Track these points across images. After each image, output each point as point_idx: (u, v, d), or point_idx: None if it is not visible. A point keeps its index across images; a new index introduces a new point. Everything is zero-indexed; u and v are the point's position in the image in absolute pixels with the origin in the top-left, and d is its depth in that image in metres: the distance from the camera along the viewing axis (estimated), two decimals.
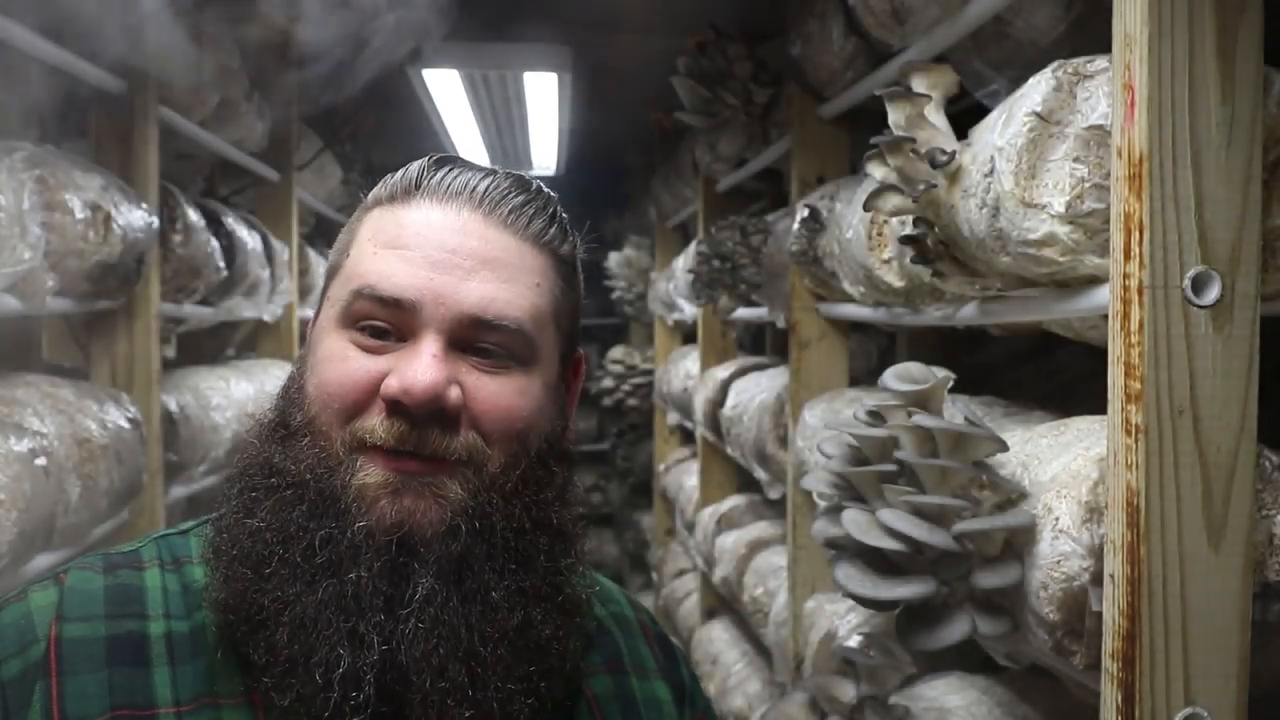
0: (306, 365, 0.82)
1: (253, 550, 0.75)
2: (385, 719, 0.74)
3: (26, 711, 0.72)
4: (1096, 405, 1.00)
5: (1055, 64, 1.04)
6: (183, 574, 0.81)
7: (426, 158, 0.85)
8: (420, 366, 0.75)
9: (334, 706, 0.72)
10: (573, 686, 0.86)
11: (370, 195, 0.86)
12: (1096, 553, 0.95)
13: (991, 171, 1.07)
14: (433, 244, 0.79)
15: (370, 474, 0.75)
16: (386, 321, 0.78)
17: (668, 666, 0.96)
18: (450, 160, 0.85)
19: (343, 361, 0.78)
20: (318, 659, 0.72)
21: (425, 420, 0.75)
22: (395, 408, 0.75)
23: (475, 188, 0.81)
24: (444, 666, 0.74)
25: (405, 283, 0.78)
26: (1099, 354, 0.98)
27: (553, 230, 0.85)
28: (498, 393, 0.79)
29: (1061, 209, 1.00)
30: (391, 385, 0.75)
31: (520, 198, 0.83)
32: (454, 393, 0.76)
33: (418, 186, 0.82)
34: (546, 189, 0.87)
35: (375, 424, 0.76)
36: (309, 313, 3.47)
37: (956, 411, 1.16)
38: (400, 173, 0.84)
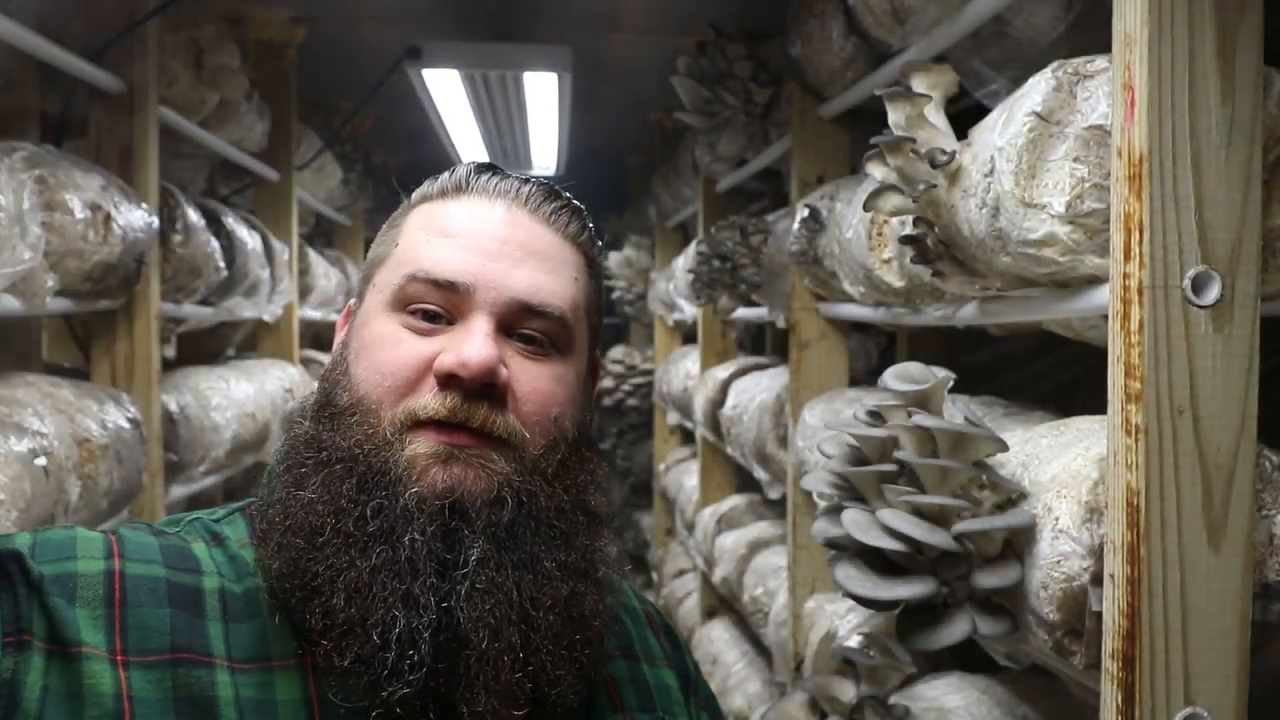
0: (350, 349, 0.86)
1: (305, 521, 0.77)
2: (440, 678, 0.75)
3: (73, 614, 0.72)
4: (1096, 405, 1.00)
5: (1055, 64, 1.04)
6: (225, 548, 0.83)
7: (470, 163, 0.90)
8: (475, 343, 0.79)
9: (391, 666, 0.73)
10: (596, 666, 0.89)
11: (416, 194, 0.91)
12: (1096, 553, 0.95)
13: (991, 171, 1.07)
14: (483, 234, 0.84)
15: (421, 446, 0.78)
16: (438, 305, 0.82)
17: (674, 655, 1.01)
18: (491, 167, 0.90)
19: (395, 344, 0.81)
20: (374, 620, 0.74)
21: (477, 394, 0.79)
22: (449, 382, 0.79)
23: (518, 189, 0.87)
24: (499, 628, 0.76)
25: (459, 267, 0.82)
26: (1099, 354, 0.98)
27: (586, 234, 0.91)
28: (538, 377, 0.83)
29: (1061, 209, 1.00)
30: (447, 360, 0.79)
31: (558, 201, 0.88)
32: (503, 371, 0.81)
33: (465, 186, 0.87)
34: (577, 202, 0.92)
35: (428, 400, 0.79)
36: (309, 313, 3.48)
37: (956, 411, 1.16)
38: (447, 174, 0.89)
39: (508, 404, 0.81)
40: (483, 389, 0.79)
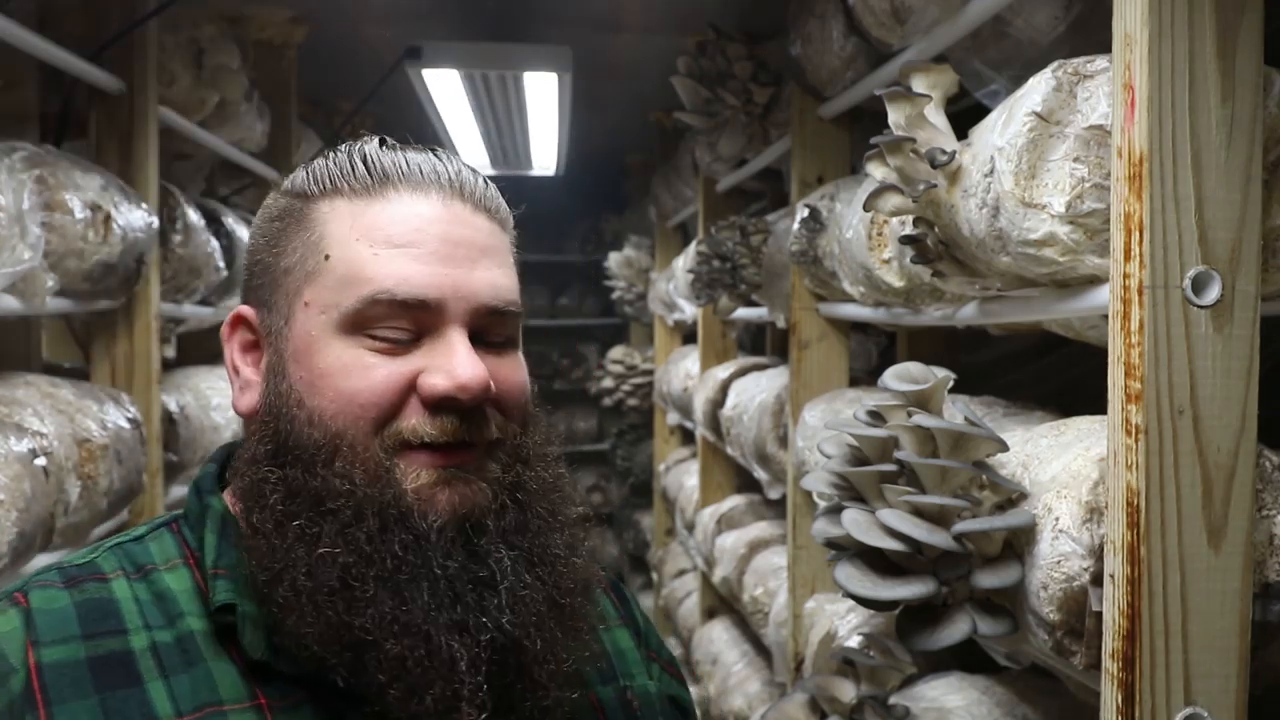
0: (295, 379, 0.78)
1: (336, 578, 0.73)
2: (496, 679, 0.75)
3: None
4: (1096, 405, 1.00)
5: (1055, 64, 1.04)
6: (151, 582, 0.78)
7: (365, 140, 0.82)
8: (463, 362, 0.76)
9: (467, 696, 0.73)
10: None
11: (307, 181, 0.82)
12: (1096, 553, 0.95)
13: (991, 171, 1.07)
14: (435, 237, 0.78)
15: (422, 475, 0.76)
16: (405, 325, 0.77)
17: (625, 613, 1.00)
18: (388, 142, 0.83)
19: (365, 369, 0.76)
20: (442, 656, 0.72)
21: (473, 412, 0.77)
22: (443, 405, 0.76)
23: (445, 173, 0.81)
24: (541, 623, 0.77)
25: (425, 282, 0.77)
26: (1099, 354, 0.97)
27: (504, 206, 0.86)
28: (511, 373, 0.82)
29: (1061, 209, 1.00)
30: (439, 384, 0.76)
31: (479, 176, 0.84)
32: (492, 385, 0.79)
33: (387, 175, 0.80)
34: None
35: (417, 423, 0.76)
36: None
37: (956, 411, 1.16)
38: (351, 158, 0.81)
39: (491, 407, 0.80)
40: (480, 405, 0.77)
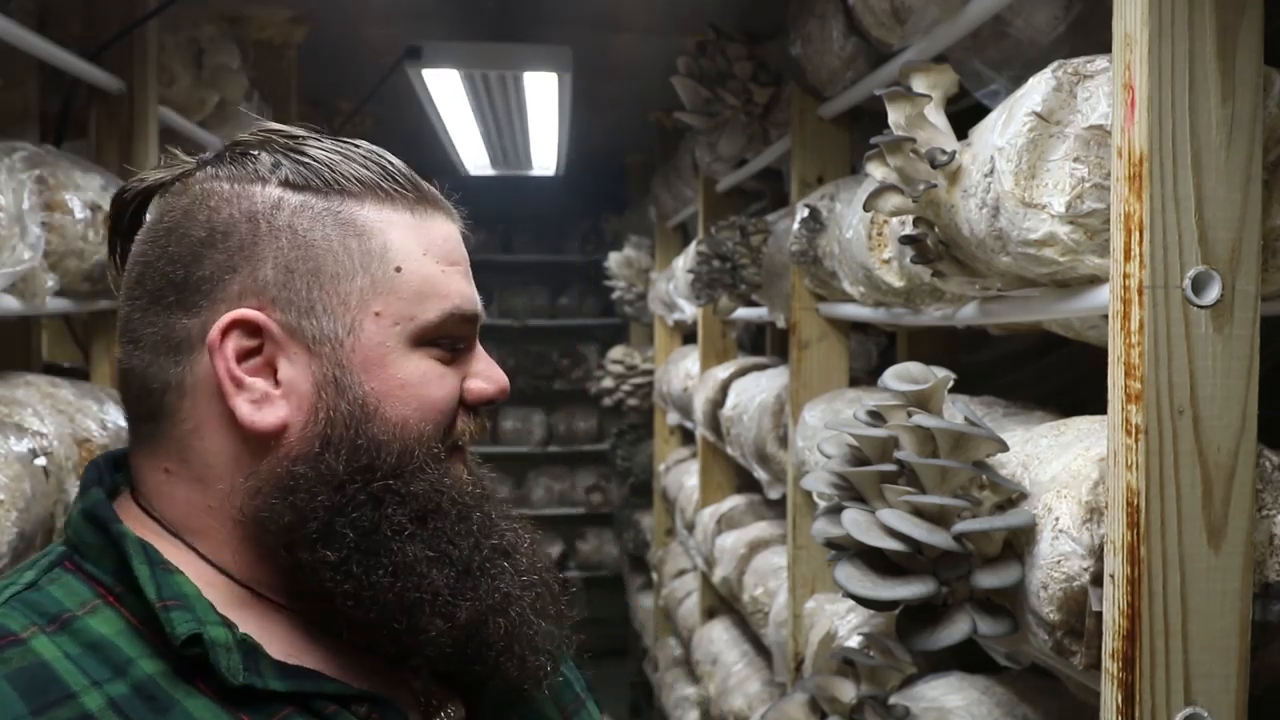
0: (365, 390, 0.76)
1: (455, 573, 0.78)
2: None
3: None
4: (1096, 405, 1.00)
5: (1055, 64, 1.04)
6: (73, 632, 0.70)
7: (380, 152, 0.82)
8: (498, 368, 0.85)
9: (545, 653, 0.81)
10: None
11: (338, 178, 0.78)
12: (1096, 553, 0.95)
13: (991, 171, 1.07)
14: (461, 256, 0.85)
15: (461, 470, 0.83)
16: (464, 337, 0.84)
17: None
18: (385, 154, 0.83)
19: (440, 379, 0.81)
20: (531, 625, 0.80)
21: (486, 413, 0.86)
22: (476, 407, 0.84)
23: (429, 191, 0.84)
24: (546, 579, 0.84)
25: (475, 298, 0.84)
26: (1099, 354, 0.97)
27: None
28: None
29: (1061, 209, 1.00)
30: (488, 389, 0.84)
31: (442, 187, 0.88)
32: None
33: (414, 189, 0.82)
34: None
35: (463, 425, 0.83)
36: None
37: (956, 411, 1.16)
38: (383, 171, 0.80)
39: None
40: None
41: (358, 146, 0.82)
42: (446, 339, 0.81)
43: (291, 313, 0.76)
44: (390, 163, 0.82)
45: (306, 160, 0.79)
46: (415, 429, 0.79)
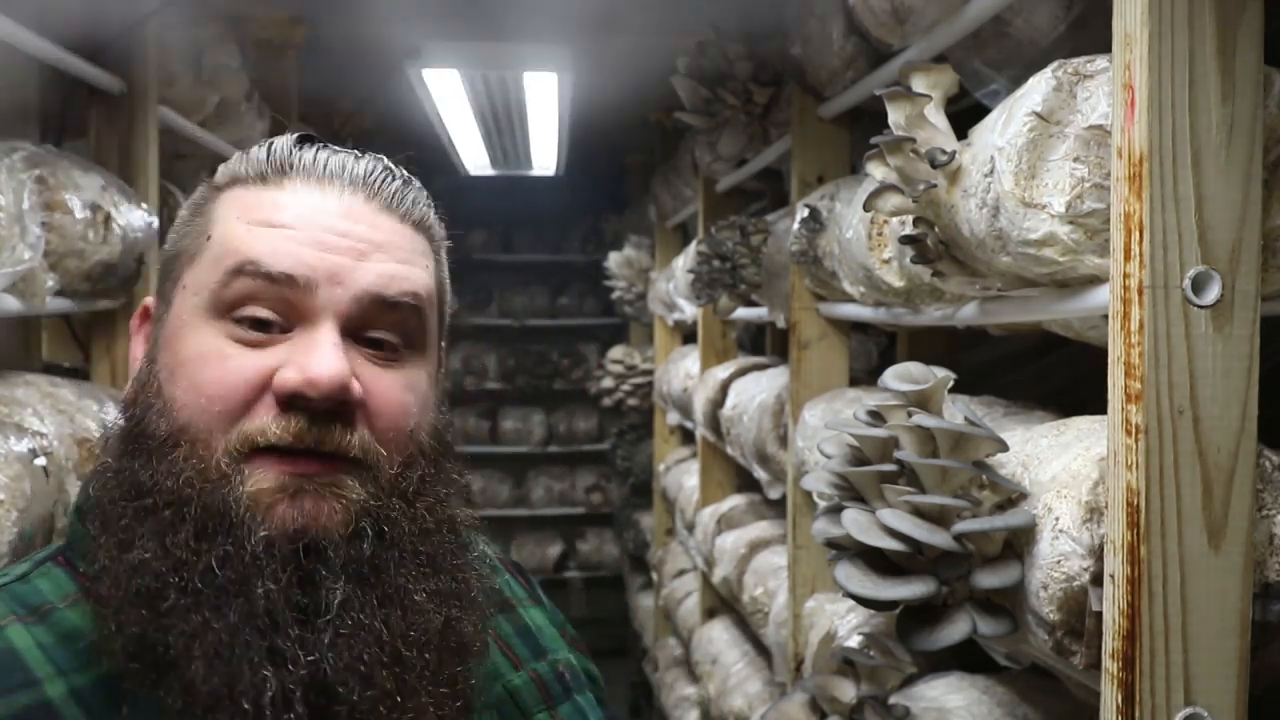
0: (160, 366, 0.73)
1: (143, 587, 0.67)
2: None
3: None
4: (1096, 405, 1.00)
5: (1055, 64, 1.04)
6: (51, 624, 0.70)
7: (288, 135, 0.79)
8: (324, 355, 0.70)
9: None
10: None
11: (221, 172, 0.79)
12: (1096, 553, 0.95)
13: (991, 171, 1.07)
14: (320, 226, 0.74)
15: (263, 479, 0.69)
16: (271, 307, 0.72)
17: (533, 593, 0.98)
18: (311, 139, 0.79)
19: (221, 359, 0.71)
20: (243, 686, 0.65)
21: (325, 415, 0.70)
22: (292, 402, 0.70)
23: (353, 170, 0.77)
24: (370, 674, 0.68)
25: (296, 259, 0.71)
26: (1099, 354, 0.97)
27: (431, 216, 0.82)
28: (390, 388, 0.75)
29: (1061, 209, 1.00)
30: (290, 378, 0.69)
31: (398, 182, 0.79)
32: (356, 385, 0.72)
33: (289, 167, 0.76)
34: (412, 172, 0.83)
35: (267, 423, 0.70)
36: None
37: (956, 411, 1.16)
38: (262, 150, 0.78)
39: (358, 421, 0.72)
40: (334, 408, 0.70)
41: (290, 139, 0.78)
42: (249, 307, 0.71)
43: (157, 297, 0.78)
44: (273, 147, 0.77)
45: (227, 160, 0.79)
46: (189, 413, 0.70)
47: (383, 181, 0.78)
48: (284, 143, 0.78)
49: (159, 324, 0.76)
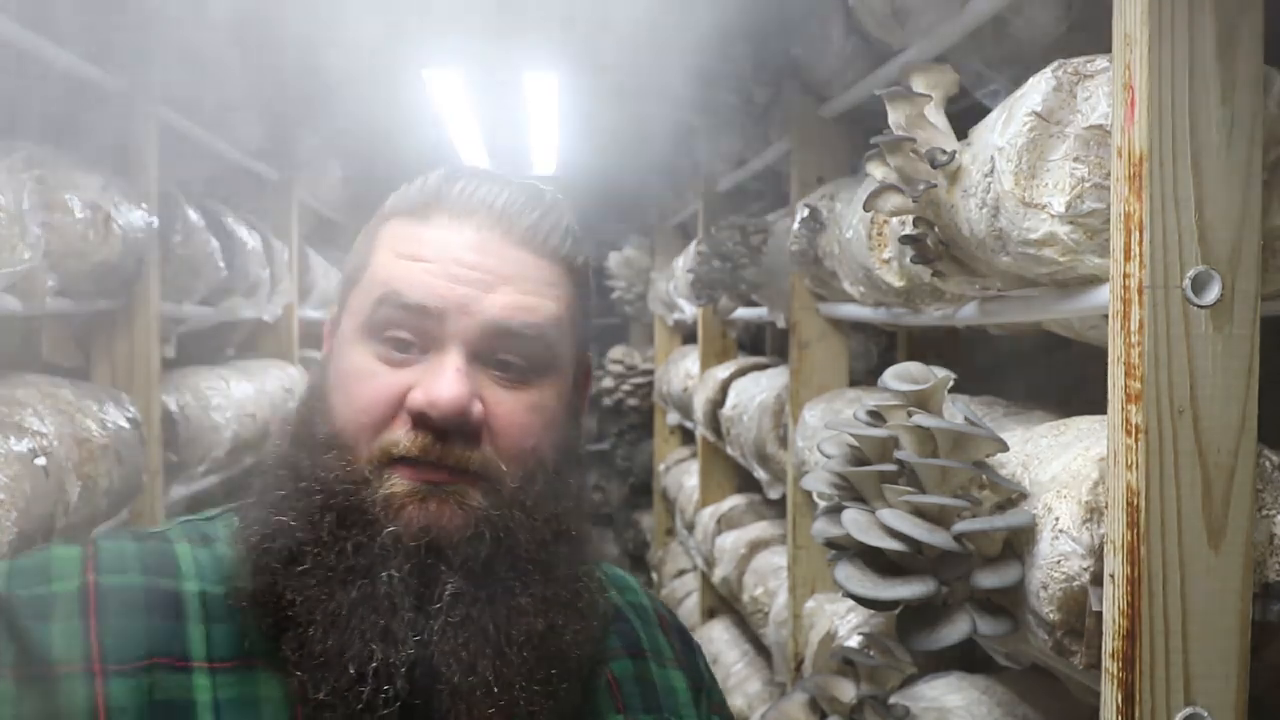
0: (328, 377, 0.84)
1: (284, 547, 0.77)
2: (414, 714, 0.75)
3: (47, 632, 0.72)
4: (1097, 405, 1.00)
5: (1055, 64, 1.04)
6: (213, 549, 0.82)
7: (442, 170, 0.87)
8: (445, 381, 0.78)
9: (367, 700, 0.73)
10: (595, 668, 0.88)
11: (387, 204, 0.88)
12: (1096, 553, 0.95)
13: (991, 171, 1.07)
14: (454, 260, 0.81)
15: (397, 485, 0.78)
16: (410, 331, 0.80)
17: (686, 657, 1.00)
18: (465, 173, 0.87)
19: (370, 378, 0.80)
20: (351, 654, 0.74)
21: (449, 433, 0.78)
22: (420, 420, 0.78)
23: (492, 204, 0.84)
24: (473, 663, 0.76)
25: (429, 291, 0.80)
26: (1099, 354, 0.97)
27: (567, 243, 0.87)
28: (514, 409, 0.81)
29: (1061, 209, 1.00)
30: (417, 399, 0.78)
31: (536, 213, 0.85)
32: (476, 407, 0.79)
33: (436, 202, 0.84)
34: (557, 196, 0.89)
35: (400, 436, 0.78)
36: (310, 313, 3.48)
37: (956, 411, 1.16)
38: (418, 184, 0.87)
39: (482, 438, 0.80)
40: (455, 427, 0.78)
41: (443, 174, 0.87)
42: (391, 330, 0.80)
43: (338, 310, 0.88)
44: (426, 182, 0.86)
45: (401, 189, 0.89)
46: (342, 423, 0.80)
47: (519, 214, 0.84)
48: (437, 177, 0.87)
49: (333, 336, 0.88)
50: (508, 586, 0.79)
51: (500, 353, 0.81)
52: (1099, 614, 0.93)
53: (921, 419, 1.09)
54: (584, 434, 0.95)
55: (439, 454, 0.78)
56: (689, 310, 3.64)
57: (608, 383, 5.08)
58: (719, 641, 3.08)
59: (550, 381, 0.84)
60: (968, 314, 1.37)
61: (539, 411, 0.83)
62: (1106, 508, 0.93)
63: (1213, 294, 0.87)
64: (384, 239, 0.85)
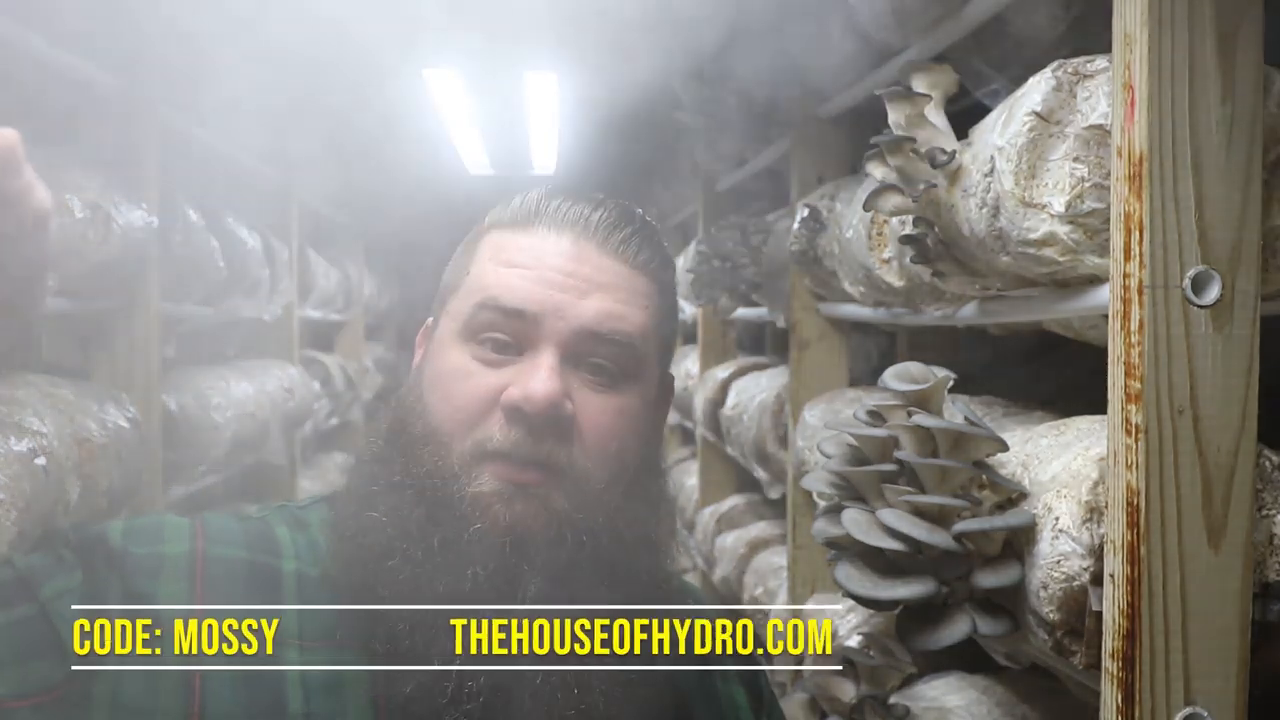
0: (425, 375, 0.88)
1: (375, 541, 0.81)
2: (495, 711, 0.78)
3: (155, 591, 0.77)
4: (1097, 405, 1.00)
5: (1055, 64, 1.04)
6: (308, 533, 0.88)
7: (543, 189, 0.92)
8: (540, 378, 0.82)
9: (451, 695, 0.77)
10: (667, 676, 0.89)
11: (487, 219, 0.93)
12: (1096, 553, 0.95)
13: (991, 171, 1.07)
14: (550, 267, 0.86)
15: (487, 484, 0.81)
16: (507, 334, 0.84)
17: (749, 674, 1.01)
18: (563, 190, 0.91)
19: (467, 377, 0.84)
20: (436, 649, 0.77)
21: (541, 429, 0.82)
22: (514, 416, 0.82)
23: (589, 218, 0.88)
24: (554, 661, 0.79)
25: (526, 295, 0.84)
26: (1099, 354, 0.97)
27: (657, 258, 0.91)
28: (602, 410, 0.85)
29: (1061, 209, 1.00)
30: (513, 394, 0.82)
31: (629, 228, 0.89)
32: (567, 405, 0.83)
33: (536, 215, 0.89)
34: (648, 217, 0.93)
35: (494, 431, 0.82)
36: (310, 313, 3.48)
37: (956, 411, 1.16)
38: (517, 200, 0.91)
39: (573, 437, 0.83)
40: (547, 422, 0.81)
41: (543, 191, 0.91)
42: (489, 333, 0.84)
43: (436, 316, 0.92)
44: (527, 196, 0.90)
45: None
46: (439, 419, 0.84)
47: (613, 228, 0.89)
48: (536, 193, 0.91)
49: (430, 340, 0.91)
50: (587, 586, 0.81)
51: (591, 356, 0.85)
52: (1099, 614, 0.93)
53: (921, 419, 1.09)
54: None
55: (530, 449, 0.81)
56: (689, 310, 3.64)
57: None
58: None
59: (636, 390, 0.88)
60: (968, 314, 1.37)
61: (625, 416, 0.86)
62: (1106, 508, 0.93)
63: (1213, 294, 0.87)
64: (484, 249, 0.90)
